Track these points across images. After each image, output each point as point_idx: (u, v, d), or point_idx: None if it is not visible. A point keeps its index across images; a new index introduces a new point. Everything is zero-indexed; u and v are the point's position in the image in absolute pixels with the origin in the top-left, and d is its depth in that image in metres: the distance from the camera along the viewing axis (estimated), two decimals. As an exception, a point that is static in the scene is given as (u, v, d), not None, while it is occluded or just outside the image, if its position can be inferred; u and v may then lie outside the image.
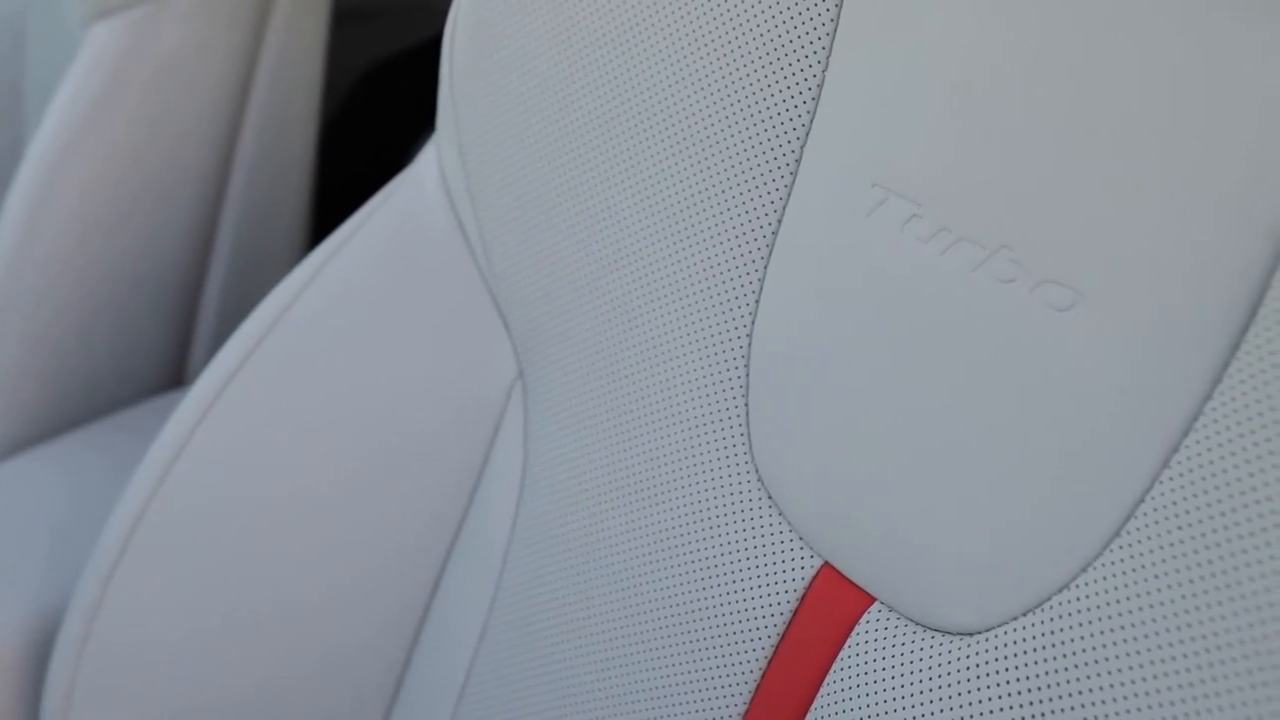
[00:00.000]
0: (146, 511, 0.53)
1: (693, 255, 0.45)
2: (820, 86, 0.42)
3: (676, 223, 0.46)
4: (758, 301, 0.44)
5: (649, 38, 0.46)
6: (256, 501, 0.53)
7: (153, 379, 0.86)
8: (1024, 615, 0.37)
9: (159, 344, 0.85)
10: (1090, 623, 0.35)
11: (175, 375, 0.88)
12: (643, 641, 0.46)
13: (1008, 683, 0.37)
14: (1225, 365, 0.33)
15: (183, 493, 0.53)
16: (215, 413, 0.53)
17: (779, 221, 0.44)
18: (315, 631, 0.55)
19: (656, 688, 0.46)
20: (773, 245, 0.44)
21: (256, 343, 0.54)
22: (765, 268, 0.44)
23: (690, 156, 0.45)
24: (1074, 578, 0.36)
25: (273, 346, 0.54)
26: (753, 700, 0.43)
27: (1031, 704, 0.36)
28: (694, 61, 0.45)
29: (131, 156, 0.77)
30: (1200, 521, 0.33)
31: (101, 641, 0.53)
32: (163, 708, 0.54)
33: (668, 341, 0.46)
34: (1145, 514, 0.35)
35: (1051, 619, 0.36)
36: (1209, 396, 0.34)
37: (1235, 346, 0.33)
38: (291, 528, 0.54)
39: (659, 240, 0.46)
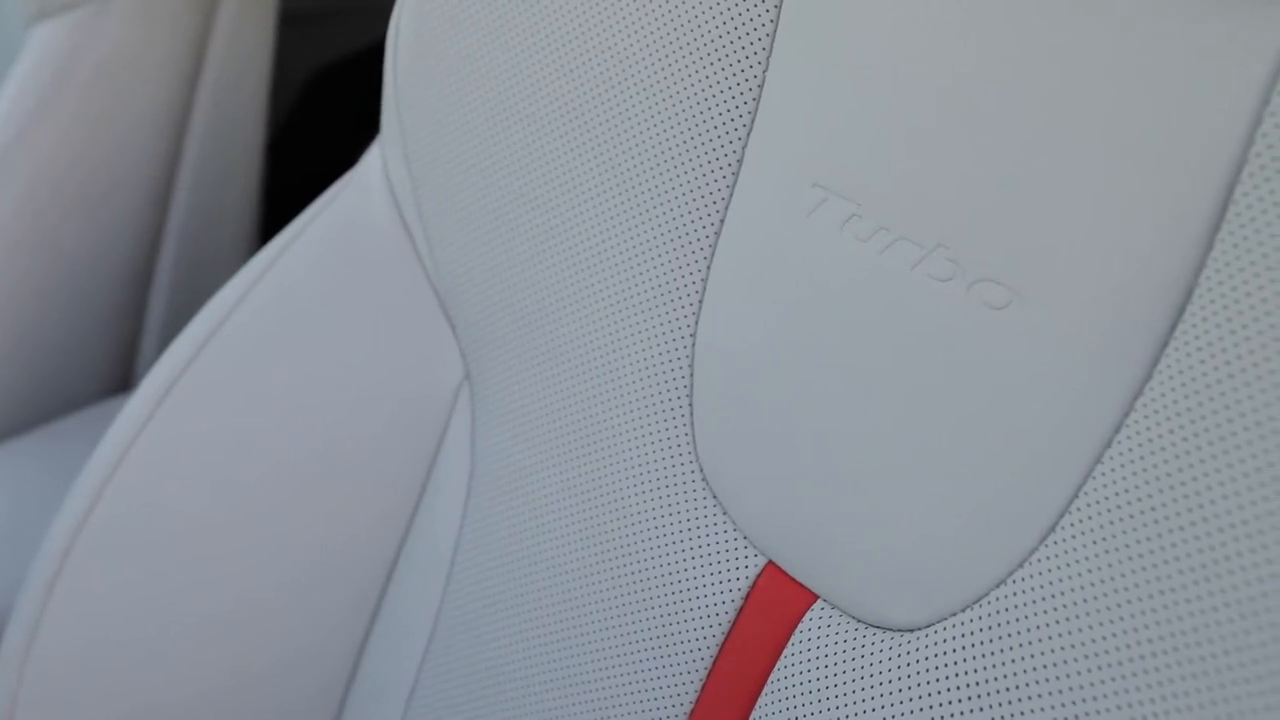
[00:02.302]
0: (89, 518, 0.52)
1: (638, 255, 0.46)
2: (761, 87, 0.42)
3: (622, 224, 0.46)
4: (701, 301, 0.44)
5: (589, 40, 0.46)
6: (202, 505, 0.53)
7: (98, 384, 0.85)
8: (963, 611, 0.38)
9: (104, 348, 0.84)
10: (1027, 617, 0.36)
11: (122, 380, 0.88)
12: (589, 641, 0.46)
13: (947, 678, 0.37)
14: (1155, 362, 0.34)
15: (126, 498, 0.52)
16: (159, 417, 0.53)
17: (721, 222, 0.44)
18: (262, 634, 0.55)
19: (603, 688, 0.46)
20: (716, 245, 0.44)
21: (201, 346, 0.53)
22: (708, 268, 0.44)
23: (634, 157, 0.45)
24: (1011, 573, 0.37)
25: (218, 349, 0.53)
26: (698, 699, 0.43)
27: (971, 698, 0.37)
28: (634, 62, 0.45)
29: (75, 157, 0.77)
30: (1132, 516, 0.34)
31: (45, 650, 0.52)
32: (108, 714, 0.53)
33: (613, 342, 0.46)
34: (1079, 509, 0.35)
35: (990, 614, 0.37)
36: (1140, 393, 0.34)
37: (1165, 344, 0.34)
38: (237, 531, 0.53)
39: (604, 241, 0.46)
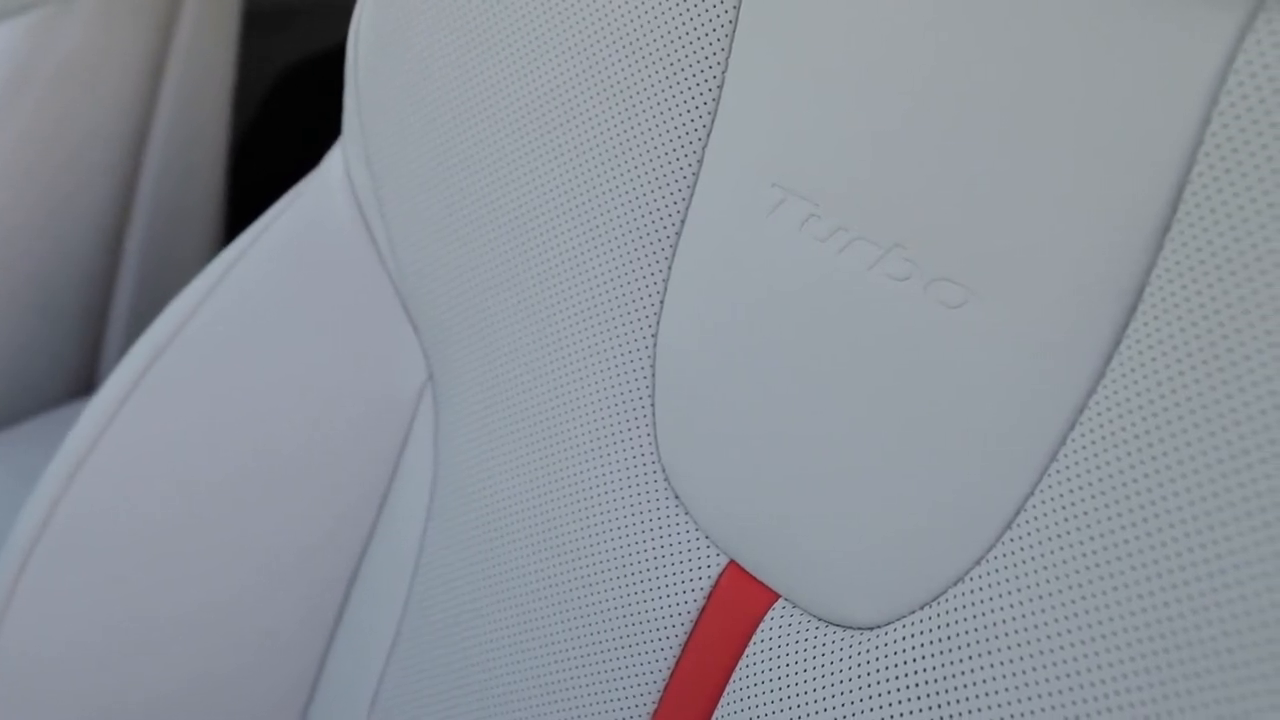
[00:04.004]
0: (51, 520, 0.52)
1: (599, 256, 0.46)
2: (720, 87, 0.42)
3: (582, 224, 0.46)
4: (663, 302, 0.44)
5: (549, 39, 0.46)
6: (165, 507, 0.53)
7: (61, 386, 0.85)
8: (920, 609, 0.38)
9: (67, 350, 0.84)
10: (982, 614, 0.36)
11: (85, 382, 0.87)
12: (552, 642, 0.46)
13: (905, 675, 0.38)
14: (1108, 360, 0.34)
15: (89, 500, 0.52)
16: (122, 418, 0.52)
17: (682, 222, 0.44)
18: (227, 635, 0.54)
19: (568, 688, 0.46)
20: (677, 246, 0.44)
21: (163, 347, 0.53)
22: (669, 268, 0.44)
23: (594, 157, 0.45)
24: (967, 571, 0.37)
25: (180, 350, 0.53)
26: (662, 698, 0.43)
27: (928, 695, 0.37)
28: (593, 62, 0.45)
29: (36, 158, 0.76)
30: (1086, 513, 0.34)
31: (7, 651, 0.52)
32: (70, 715, 0.53)
33: (575, 342, 0.47)
34: (1034, 507, 0.35)
35: (946, 612, 0.37)
36: (1093, 391, 0.34)
37: (1118, 342, 0.34)
38: (200, 532, 0.53)
39: (565, 242, 0.46)
